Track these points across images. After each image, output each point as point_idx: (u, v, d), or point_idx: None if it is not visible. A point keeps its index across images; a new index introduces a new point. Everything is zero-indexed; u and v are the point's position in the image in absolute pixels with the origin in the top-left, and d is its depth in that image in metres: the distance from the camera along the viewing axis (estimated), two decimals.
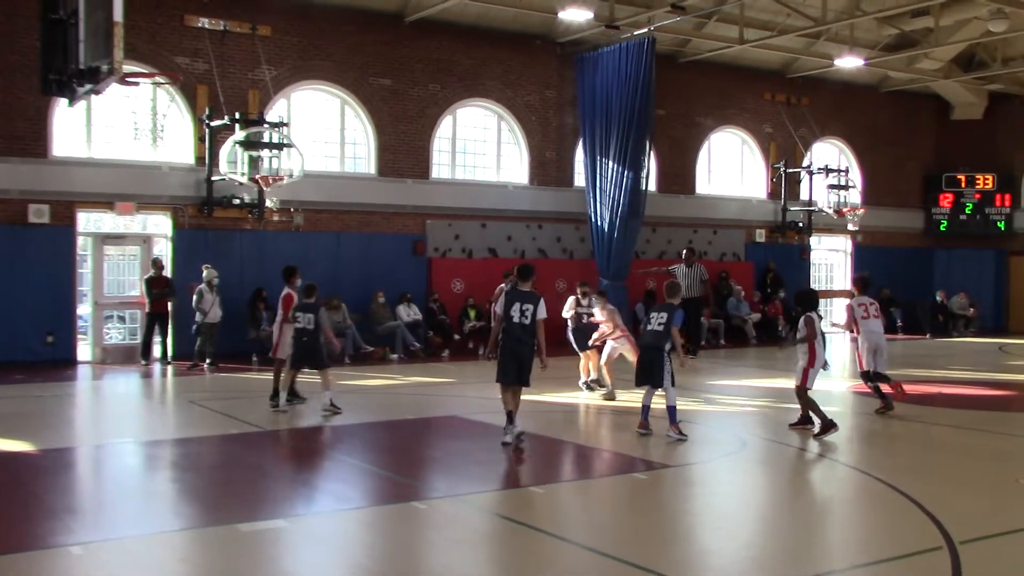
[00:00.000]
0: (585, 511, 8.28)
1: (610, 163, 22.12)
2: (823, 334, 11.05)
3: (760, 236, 26.82)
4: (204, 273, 17.88)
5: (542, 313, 10.40)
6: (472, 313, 20.98)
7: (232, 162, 18.52)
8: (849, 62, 23.98)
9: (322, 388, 12.50)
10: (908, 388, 15.81)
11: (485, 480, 9.15)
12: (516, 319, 10.34)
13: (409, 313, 20.22)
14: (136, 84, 17.69)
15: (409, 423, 12.29)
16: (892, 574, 6.41)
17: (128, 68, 17.83)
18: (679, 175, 25.54)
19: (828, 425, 10.94)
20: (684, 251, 21.73)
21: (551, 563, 6.66)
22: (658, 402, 11.16)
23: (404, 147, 21.60)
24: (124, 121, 18.89)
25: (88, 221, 18.87)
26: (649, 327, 11.17)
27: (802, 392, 11.22)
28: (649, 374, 11.01)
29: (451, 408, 13.25)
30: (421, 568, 6.60)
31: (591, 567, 6.58)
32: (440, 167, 22.40)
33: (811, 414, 11.27)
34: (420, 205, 21.71)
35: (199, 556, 6.85)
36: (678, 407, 11.01)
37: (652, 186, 23.50)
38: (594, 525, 7.77)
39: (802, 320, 11.29)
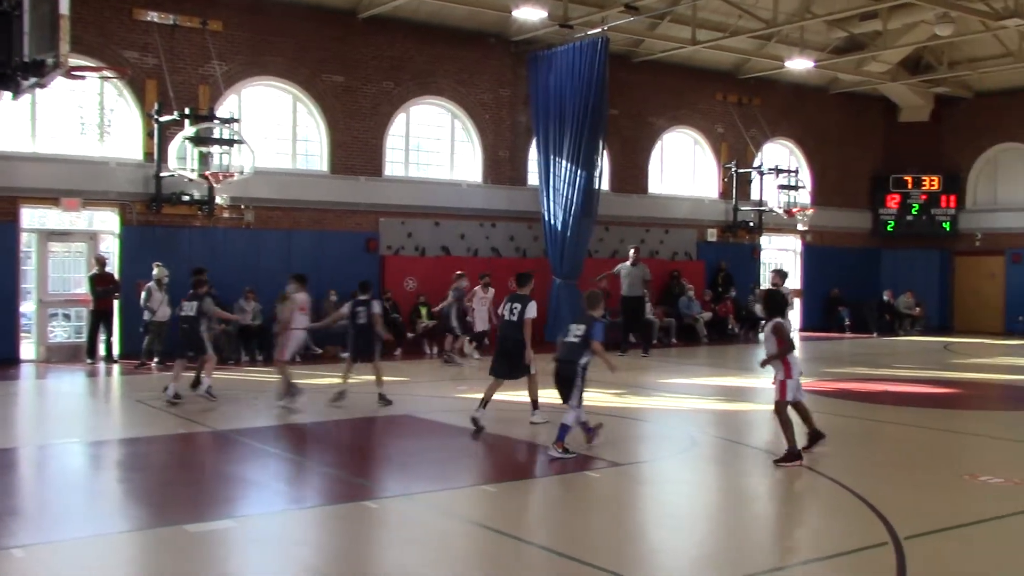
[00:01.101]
0: (538, 510, 8.29)
1: (563, 162, 22.17)
2: (791, 340, 9.86)
3: (711, 235, 27.05)
4: (155, 271, 17.62)
5: (530, 313, 11.32)
6: (424, 312, 20.89)
7: (182, 158, 18.26)
8: (799, 64, 24.27)
9: (205, 374, 13.27)
10: (856, 386, 16.09)
11: (437, 479, 9.12)
12: (506, 316, 11.52)
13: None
14: (83, 78, 17.36)
15: (360, 422, 12.21)
16: (839, 570, 6.49)
17: (75, 61, 17.56)
18: (632, 175, 25.67)
19: (794, 455, 9.55)
20: (632, 249, 21.61)
21: (503, 562, 6.65)
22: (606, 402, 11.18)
23: (357, 144, 21.46)
24: (70, 115, 18.56)
25: (32, 217, 18.52)
26: (566, 339, 10.13)
27: (782, 409, 9.85)
28: (563, 389, 10.04)
29: (403, 407, 13.19)
30: (372, 568, 6.55)
31: (544, 565, 6.58)
32: (393, 165, 22.30)
33: (784, 436, 9.71)
34: (373, 203, 21.59)
35: (145, 558, 6.74)
36: (569, 426, 9.85)
37: (605, 185, 23.60)
38: (546, 523, 7.77)
39: (769, 327, 9.98)
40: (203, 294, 13.46)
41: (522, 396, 12.60)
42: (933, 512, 7.86)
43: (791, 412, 9.87)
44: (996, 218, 29.36)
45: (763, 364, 10.06)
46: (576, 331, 10.08)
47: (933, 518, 7.61)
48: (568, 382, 9.97)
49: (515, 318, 11.35)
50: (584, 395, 10.07)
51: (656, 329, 23.26)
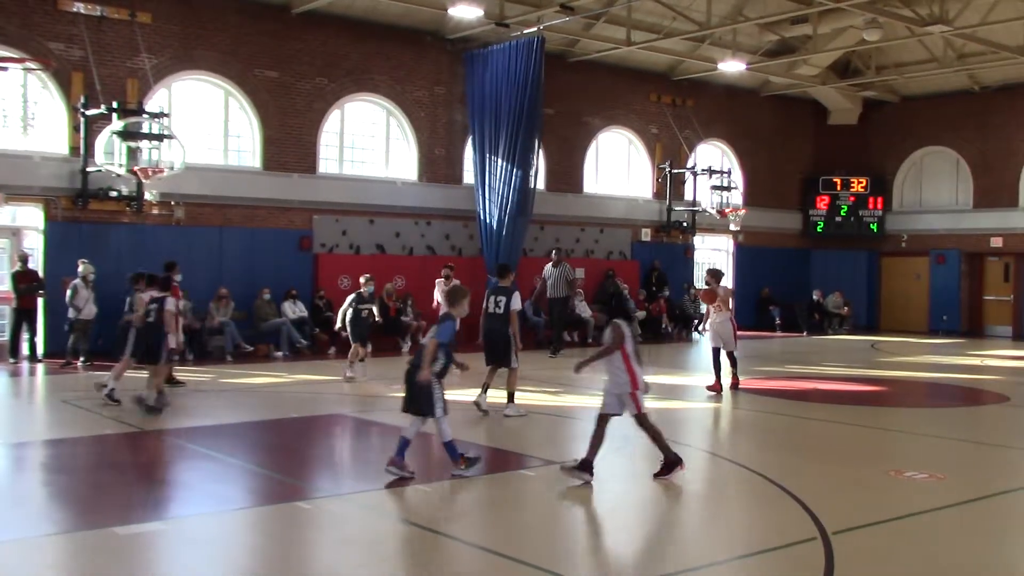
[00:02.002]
0: (472, 508, 8.27)
1: (499, 161, 22.17)
2: (637, 348, 8.87)
3: (646, 235, 27.28)
4: (80, 268, 17.20)
5: (515, 304, 11.77)
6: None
7: (109, 153, 17.86)
8: (732, 66, 24.59)
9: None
10: (786, 384, 16.38)
11: (371, 479, 9.04)
12: (491, 310, 11.89)
13: (295, 310, 19.91)
14: (5, 69, 16.99)
15: (294, 422, 12.07)
16: (768, 565, 6.58)
17: None
18: (567, 174, 25.78)
19: (673, 462, 8.89)
20: (554, 250, 21.67)
21: (437, 561, 6.62)
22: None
23: (290, 141, 21.21)
24: None
25: None
26: (422, 342, 9.18)
27: (644, 420, 8.93)
28: (413, 400, 8.81)
29: (337, 406, 13.07)
30: (305, 569, 6.47)
31: (478, 564, 6.57)
32: (327, 162, 22.10)
33: (658, 447, 9.00)
34: (306, 200, 21.36)
35: (71, 561, 6.57)
36: (452, 440, 8.84)
37: (540, 184, 23.66)
38: (481, 522, 7.76)
39: (608, 330, 8.94)
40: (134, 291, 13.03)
41: (473, 395, 12.57)
42: (860, 507, 8.01)
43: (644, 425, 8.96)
44: (921, 220, 30.09)
45: (578, 369, 9.01)
46: (430, 332, 8.96)
47: (861, 513, 7.76)
48: (423, 392, 8.64)
49: (500, 310, 11.79)
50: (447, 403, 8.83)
51: (591, 328, 23.38)
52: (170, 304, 12.31)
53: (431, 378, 8.55)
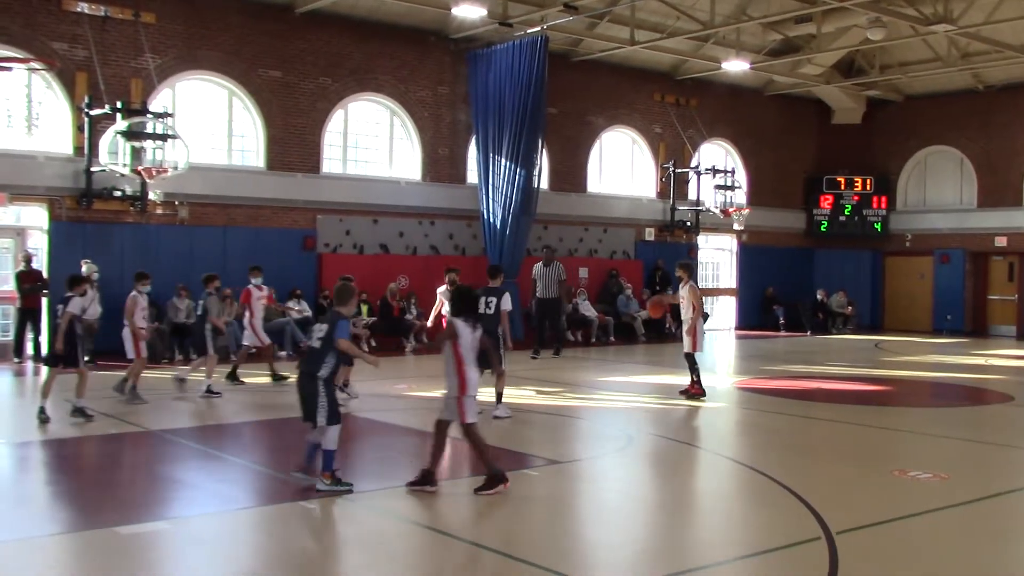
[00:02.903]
0: (476, 508, 8.26)
1: (503, 160, 22.17)
2: (491, 350, 8.49)
3: (649, 235, 27.26)
4: (84, 268, 17.20)
5: (506, 305, 11.82)
6: (364, 309, 20.74)
7: (113, 153, 17.88)
8: (735, 65, 24.56)
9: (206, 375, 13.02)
10: (790, 384, 16.35)
11: (375, 478, 9.05)
12: (482, 310, 11.51)
13: (299, 310, 19.91)
14: (9, 69, 17.01)
15: (298, 421, 12.04)
16: (773, 565, 6.57)
17: (1, 52, 17.18)
18: (571, 173, 25.77)
19: (497, 478, 8.20)
20: (544, 249, 21.11)
21: (442, 561, 6.62)
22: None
23: (294, 140, 21.22)
24: None
25: None
26: (309, 343, 8.55)
27: (468, 431, 8.31)
28: (305, 406, 8.29)
29: (342, 406, 13.05)
30: (309, 570, 6.47)
31: (483, 564, 6.57)
32: (331, 161, 22.11)
33: (482, 462, 8.37)
34: (310, 200, 21.37)
35: (75, 561, 6.57)
36: (333, 450, 8.21)
37: (544, 184, 23.66)
38: (485, 522, 7.75)
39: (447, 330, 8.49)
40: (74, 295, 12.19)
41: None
42: (864, 507, 8.00)
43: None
44: (925, 219, 30.05)
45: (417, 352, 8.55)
46: (318, 332, 8.31)
47: (864, 513, 7.75)
48: (310, 398, 8.20)
49: (491, 311, 11.79)
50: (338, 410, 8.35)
51: (595, 327, 23.39)
52: (75, 305, 11.89)
53: (320, 383, 8.13)
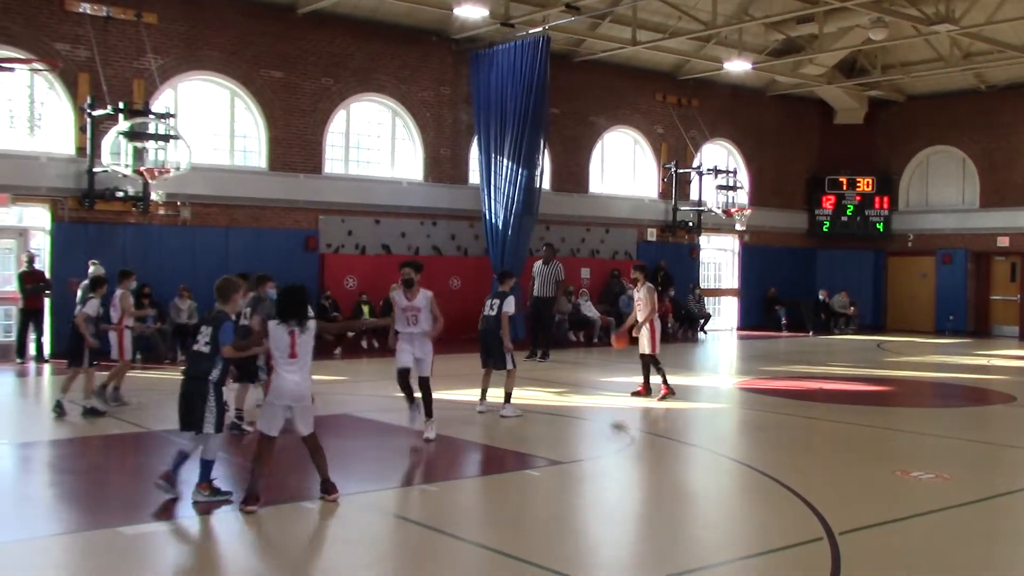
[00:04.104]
0: (477, 509, 8.27)
1: (505, 161, 22.17)
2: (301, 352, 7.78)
3: (651, 235, 27.25)
4: (91, 269, 17.19)
5: (508, 308, 12.15)
6: (366, 310, 20.76)
7: (115, 153, 17.88)
8: (737, 66, 24.55)
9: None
10: (792, 384, 16.34)
11: (377, 478, 9.05)
12: (486, 312, 12.37)
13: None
14: (11, 70, 17.04)
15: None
16: (775, 565, 6.57)
17: (3, 53, 17.20)
18: (573, 174, 25.77)
19: (254, 495, 7.59)
20: (544, 247, 20.70)
21: (443, 561, 6.62)
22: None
23: (296, 141, 21.23)
24: None
25: None
26: (195, 347, 8.01)
27: (260, 443, 7.82)
28: (187, 414, 7.90)
29: (342, 406, 13.07)
30: (311, 569, 6.48)
31: (483, 564, 6.56)
32: (333, 162, 22.12)
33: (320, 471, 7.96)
34: (312, 200, 21.38)
35: (78, 561, 6.58)
36: (213, 460, 7.95)
37: (546, 184, 23.65)
38: (486, 522, 7.75)
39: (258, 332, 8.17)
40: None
41: (472, 395, 12.63)
42: (867, 507, 7.99)
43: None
44: (928, 219, 30.03)
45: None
46: (204, 336, 7.89)
47: (867, 513, 7.74)
48: (197, 403, 7.80)
49: (494, 312, 12.22)
50: (223, 417, 8.01)
51: (598, 328, 23.39)
52: (91, 307, 12.14)
53: (211, 387, 7.77)
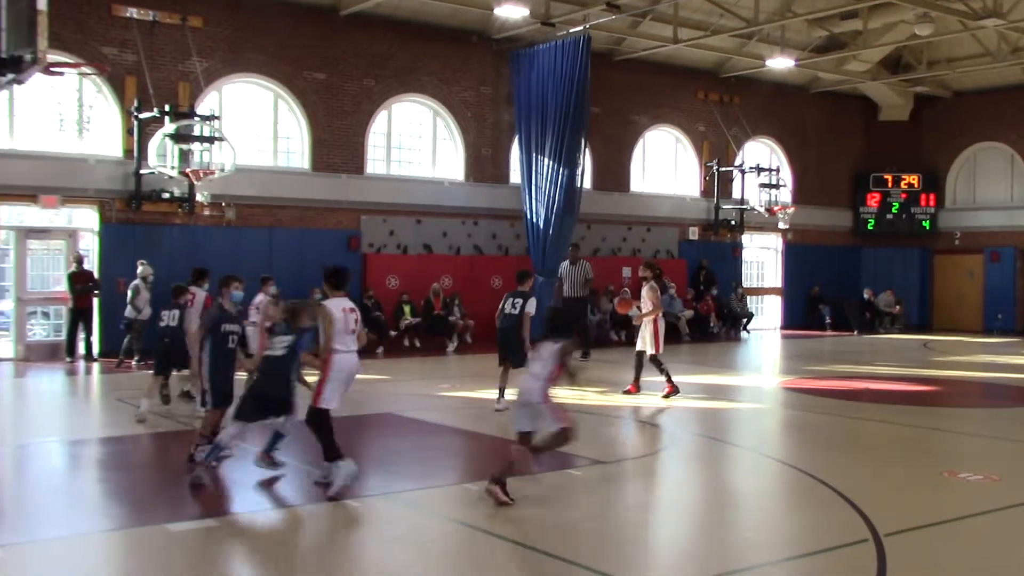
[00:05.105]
0: (520, 508, 8.27)
1: (545, 160, 22.16)
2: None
3: (693, 234, 27.11)
4: (140, 269, 17.47)
5: (530, 308, 12.24)
6: (407, 309, 20.88)
7: (162, 155, 18.15)
8: (780, 63, 24.35)
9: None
10: (837, 384, 16.18)
11: (420, 478, 9.11)
12: (507, 310, 12.43)
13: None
14: (61, 74, 17.32)
15: (342, 421, 12.11)
16: (819, 567, 6.52)
17: (53, 58, 17.47)
18: (614, 172, 25.70)
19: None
20: (570, 247, 20.63)
21: (486, 560, 6.65)
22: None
23: (338, 142, 21.40)
24: (49, 112, 18.43)
25: (11, 214, 18.38)
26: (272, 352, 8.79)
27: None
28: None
29: (385, 405, 13.16)
30: (355, 567, 6.53)
31: (526, 564, 6.58)
32: (375, 162, 22.25)
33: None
34: (355, 200, 21.53)
35: (126, 558, 6.69)
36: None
37: (587, 183, 23.60)
38: (528, 521, 7.76)
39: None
40: (184, 303, 12.42)
41: (487, 395, 12.64)
42: (913, 509, 7.91)
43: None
44: (975, 217, 29.58)
45: None
46: (283, 342, 8.79)
47: (913, 515, 7.66)
48: (288, 398, 8.77)
49: (516, 311, 12.31)
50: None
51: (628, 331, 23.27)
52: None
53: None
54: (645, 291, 13.89)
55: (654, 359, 13.88)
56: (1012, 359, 20.96)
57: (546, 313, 9.55)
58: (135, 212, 18.76)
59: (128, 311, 17.34)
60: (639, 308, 14.10)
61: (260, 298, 14.79)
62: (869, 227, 30.71)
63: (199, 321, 10.72)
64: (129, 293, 17.38)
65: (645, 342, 13.89)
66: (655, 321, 13.76)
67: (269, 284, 15.26)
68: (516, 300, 12.45)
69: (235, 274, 10.13)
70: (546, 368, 7.96)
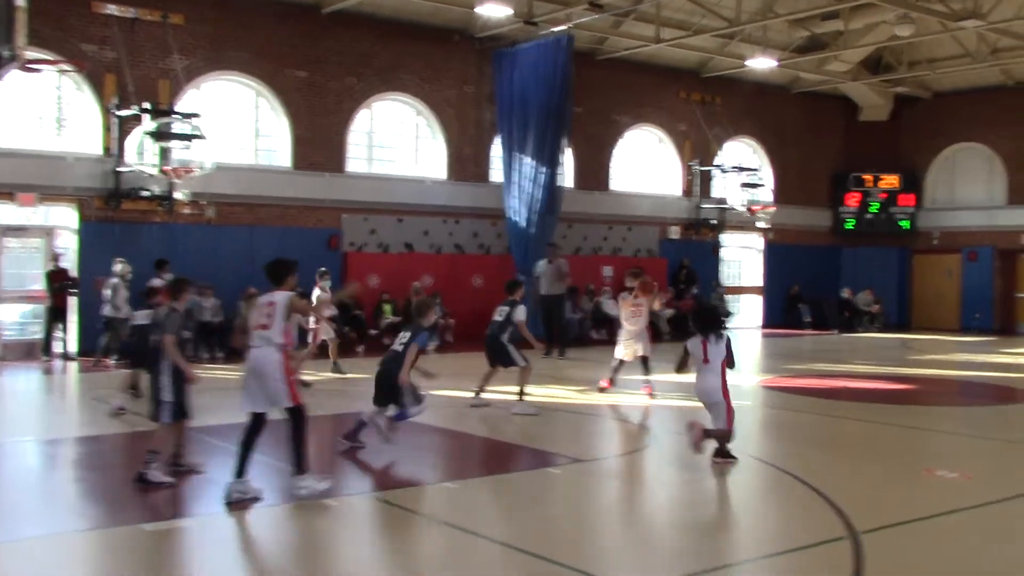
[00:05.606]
0: (498, 506, 8.29)
1: (527, 159, 22.18)
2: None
3: (674, 233, 27.18)
4: (118, 267, 17.36)
5: (519, 316, 12.50)
6: (388, 308, 20.84)
7: (141, 153, 18.06)
8: (762, 63, 24.45)
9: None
10: (816, 383, 16.24)
11: (396, 476, 9.10)
12: (495, 317, 12.73)
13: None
14: (39, 71, 17.20)
15: (320, 419, 12.11)
16: (798, 564, 6.55)
17: (31, 55, 17.35)
18: (595, 172, 25.74)
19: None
20: (548, 245, 20.90)
21: (464, 559, 6.64)
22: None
23: (320, 140, 21.34)
24: (27, 109, 18.29)
25: None
26: (393, 345, 10.32)
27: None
28: (382, 393, 10.16)
29: (364, 404, 13.11)
30: (329, 566, 6.52)
31: (505, 562, 6.58)
32: (356, 161, 22.20)
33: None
34: (336, 199, 21.48)
35: (102, 557, 6.66)
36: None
37: (568, 182, 23.66)
38: (508, 520, 7.77)
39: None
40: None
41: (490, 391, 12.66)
42: (890, 506, 7.95)
43: None
44: (954, 217, 29.79)
45: None
46: (402, 339, 10.11)
47: (891, 512, 7.70)
48: (395, 392, 9.92)
49: (501, 318, 12.55)
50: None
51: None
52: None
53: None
54: (626, 298, 13.86)
55: (622, 362, 13.81)
56: (989, 358, 21.12)
57: (695, 311, 10.40)
58: (114, 210, 18.65)
59: (107, 310, 17.24)
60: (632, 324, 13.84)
61: (317, 293, 15.42)
62: (849, 227, 30.86)
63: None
64: (108, 292, 17.27)
65: (646, 344, 13.70)
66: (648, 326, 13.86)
67: (325, 278, 15.42)
68: (503, 308, 12.67)
69: (190, 278, 9.70)
70: (718, 362, 9.45)
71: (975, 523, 7.64)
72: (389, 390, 9.90)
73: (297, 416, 7.96)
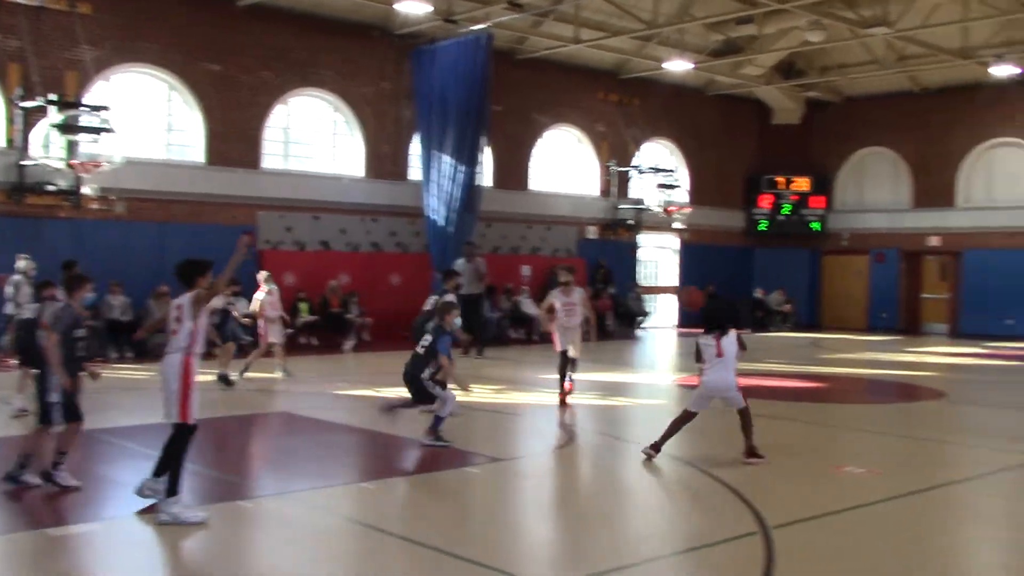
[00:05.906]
0: (416, 506, 8.23)
1: (446, 157, 22.11)
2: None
3: (592, 233, 27.39)
4: (21, 263, 16.75)
5: (442, 348, 11.69)
6: (304, 307, 20.57)
7: (47, 146, 17.50)
8: (678, 65, 24.78)
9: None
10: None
11: (315, 477, 8.97)
12: (416, 348, 12.51)
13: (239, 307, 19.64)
14: None
15: (236, 420, 11.92)
16: (710, 559, 6.64)
17: None
18: (514, 171, 25.78)
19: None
20: (465, 243, 20.77)
21: (382, 559, 6.58)
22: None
23: (234, 135, 20.94)
24: None
25: None
26: (416, 349, 10.51)
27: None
28: (417, 397, 10.42)
29: (281, 404, 12.94)
30: (248, 569, 6.39)
31: (422, 561, 6.53)
32: (272, 157, 21.85)
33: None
34: (251, 196, 21.10)
35: (4, 564, 6.41)
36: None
37: (488, 181, 23.64)
38: (425, 519, 7.72)
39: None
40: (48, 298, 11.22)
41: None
42: (801, 502, 8.12)
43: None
44: (862, 219, 30.61)
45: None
46: (424, 341, 10.17)
47: (801, 507, 7.87)
48: (421, 392, 10.13)
49: (422, 352, 11.83)
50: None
51: (537, 325, 23.41)
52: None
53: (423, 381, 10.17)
54: (580, 295, 13.54)
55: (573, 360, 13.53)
56: (895, 356, 21.74)
57: (706, 308, 10.53)
58: (18, 204, 18.01)
59: (9, 308, 16.63)
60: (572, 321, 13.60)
61: (259, 295, 15.32)
62: (762, 228, 31.47)
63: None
64: (9, 289, 16.67)
65: (576, 345, 13.44)
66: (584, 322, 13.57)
67: (270, 281, 15.57)
68: (426, 338, 12.05)
69: (87, 275, 9.00)
70: (732, 354, 9.61)
71: (882, 517, 7.84)
72: (416, 392, 10.12)
73: (181, 434, 7.46)
